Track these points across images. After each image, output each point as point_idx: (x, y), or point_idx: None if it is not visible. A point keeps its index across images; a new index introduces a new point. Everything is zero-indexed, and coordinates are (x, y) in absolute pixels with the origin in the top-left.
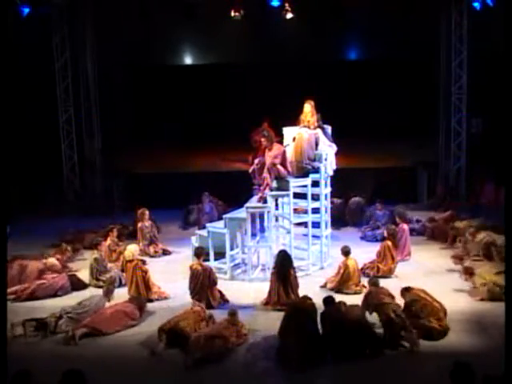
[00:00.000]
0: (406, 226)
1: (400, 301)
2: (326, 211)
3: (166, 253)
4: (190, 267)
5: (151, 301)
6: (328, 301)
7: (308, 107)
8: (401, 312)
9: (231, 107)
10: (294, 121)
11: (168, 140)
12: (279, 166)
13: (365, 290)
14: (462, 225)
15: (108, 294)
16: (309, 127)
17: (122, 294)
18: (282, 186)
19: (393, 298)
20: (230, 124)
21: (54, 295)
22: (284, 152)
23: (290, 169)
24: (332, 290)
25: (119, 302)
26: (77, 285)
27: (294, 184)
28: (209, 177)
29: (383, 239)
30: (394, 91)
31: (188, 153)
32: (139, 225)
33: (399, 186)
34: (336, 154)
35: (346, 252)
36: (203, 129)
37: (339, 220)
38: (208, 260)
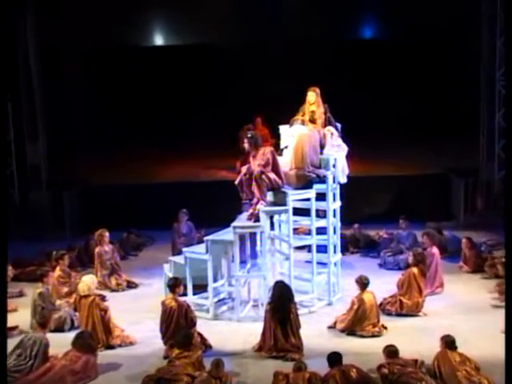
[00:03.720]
0: (436, 250)
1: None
2: (334, 232)
3: (131, 285)
4: (162, 303)
5: (112, 347)
6: (334, 360)
7: (312, 96)
8: None
9: (216, 100)
10: (294, 116)
11: (135, 143)
12: (270, 174)
13: (385, 332)
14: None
15: (45, 323)
16: (313, 122)
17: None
18: (279, 199)
19: (416, 363)
20: (215, 122)
21: None
22: (273, 154)
23: (283, 177)
24: (343, 331)
25: (63, 354)
26: None
27: (294, 197)
28: (187, 189)
29: (407, 266)
30: (419, 79)
31: (161, 159)
32: (97, 250)
33: (428, 199)
34: (347, 156)
35: (363, 284)
36: (180, 129)
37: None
38: (185, 294)
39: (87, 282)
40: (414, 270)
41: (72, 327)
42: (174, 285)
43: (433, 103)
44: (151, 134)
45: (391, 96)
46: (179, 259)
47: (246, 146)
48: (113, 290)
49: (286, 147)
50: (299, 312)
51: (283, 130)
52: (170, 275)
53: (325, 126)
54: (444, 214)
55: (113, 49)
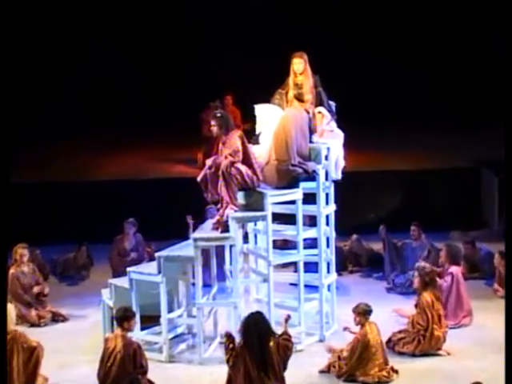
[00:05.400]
0: (456, 269)
1: None
2: (327, 245)
3: (57, 318)
4: (105, 341)
5: None
6: None
7: (300, 64)
8: None
9: (172, 73)
10: (273, 93)
11: (66, 130)
12: (241, 166)
13: (396, 377)
14: None
15: None
16: (300, 99)
17: None
18: (254, 202)
19: None
20: (168, 103)
21: None
22: (242, 140)
23: (259, 172)
24: (340, 377)
25: None
26: None
27: (274, 199)
28: (132, 189)
29: (419, 288)
30: (437, 46)
31: (99, 151)
32: (11, 271)
33: (451, 200)
34: (343, 145)
35: (364, 313)
36: (125, 112)
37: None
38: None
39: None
40: (426, 295)
41: None
42: (124, 317)
43: (457, 75)
44: (87, 120)
45: (401, 66)
46: (122, 282)
47: (215, 129)
48: (33, 325)
49: (260, 133)
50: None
51: (260, 110)
52: (111, 304)
53: (315, 105)
54: (472, 220)
55: None
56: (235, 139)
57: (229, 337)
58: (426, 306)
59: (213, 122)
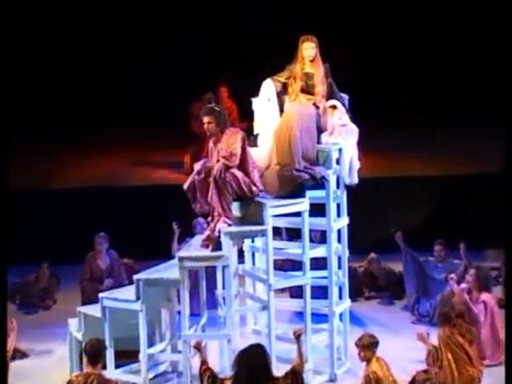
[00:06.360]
0: (489, 297)
1: None
2: (339, 265)
3: (16, 355)
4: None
5: None
6: None
7: (311, 49)
8: None
9: (152, 56)
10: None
11: (22, 131)
12: (236, 172)
13: None
14: None
15: None
16: (308, 91)
17: None
18: (252, 214)
19: None
20: (150, 92)
21: None
22: (243, 143)
23: (258, 179)
24: None
25: None
26: None
27: (276, 211)
28: (106, 198)
29: (440, 322)
30: (457, 27)
31: (64, 153)
32: None
33: (486, 213)
34: (358, 144)
35: (368, 345)
36: (99, 106)
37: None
38: (104, 367)
39: None
40: (446, 330)
41: None
42: (96, 353)
43: (481, 69)
44: (53, 116)
45: (422, 51)
46: (93, 310)
47: (211, 127)
48: None
49: (258, 134)
50: None
51: (258, 105)
52: (80, 336)
53: (327, 98)
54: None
55: None
56: (235, 140)
57: (203, 363)
58: (447, 339)
59: (208, 118)
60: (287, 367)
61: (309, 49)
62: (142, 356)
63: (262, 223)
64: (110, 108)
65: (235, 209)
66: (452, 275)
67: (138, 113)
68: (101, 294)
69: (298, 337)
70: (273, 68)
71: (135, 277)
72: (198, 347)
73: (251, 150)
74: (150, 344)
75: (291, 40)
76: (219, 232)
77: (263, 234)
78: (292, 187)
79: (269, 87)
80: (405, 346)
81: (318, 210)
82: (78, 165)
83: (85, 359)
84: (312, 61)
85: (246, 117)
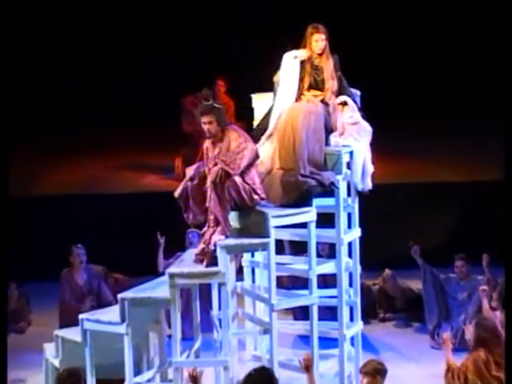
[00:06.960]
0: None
1: None
2: (350, 283)
3: None
4: None
5: None
6: None
7: (321, 42)
8: None
9: (139, 49)
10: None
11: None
12: (236, 178)
13: None
14: None
15: None
16: (317, 87)
17: None
18: (252, 225)
19: None
20: (136, 88)
21: None
22: (255, 156)
23: (259, 186)
24: None
25: None
26: None
27: (279, 221)
28: (86, 207)
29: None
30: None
31: (39, 156)
32: None
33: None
34: (371, 145)
35: (373, 373)
36: (77, 105)
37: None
38: None
39: None
40: (481, 354)
41: None
42: (70, 382)
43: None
44: (25, 117)
45: (442, 47)
46: (72, 334)
47: (212, 127)
48: None
49: (264, 132)
50: None
51: (259, 102)
52: (57, 363)
53: (337, 94)
54: None
55: None
56: (243, 149)
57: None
58: (481, 363)
59: (208, 118)
60: None
61: (319, 41)
62: None
63: (263, 235)
64: (93, 107)
65: (233, 219)
66: (484, 287)
67: (122, 112)
68: (81, 316)
69: (307, 368)
70: (274, 63)
71: (120, 296)
72: (194, 376)
73: None
74: (137, 372)
75: (292, 37)
76: (215, 245)
77: (264, 247)
78: (297, 195)
79: (291, 54)
80: (424, 373)
81: (326, 220)
82: (56, 170)
83: None
84: (321, 54)
85: (243, 116)
